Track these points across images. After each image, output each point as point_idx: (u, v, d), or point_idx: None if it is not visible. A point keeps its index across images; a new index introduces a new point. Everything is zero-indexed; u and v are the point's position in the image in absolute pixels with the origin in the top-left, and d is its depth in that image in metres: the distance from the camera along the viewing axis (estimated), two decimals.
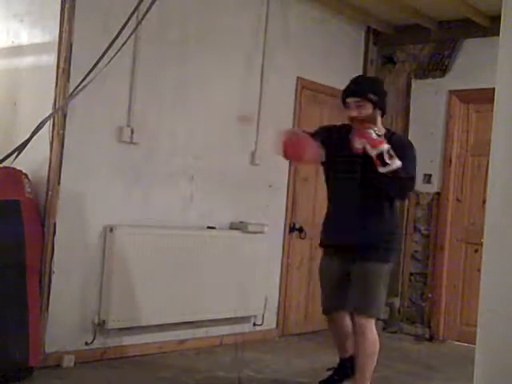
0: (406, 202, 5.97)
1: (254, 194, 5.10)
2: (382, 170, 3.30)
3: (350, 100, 3.51)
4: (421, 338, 5.74)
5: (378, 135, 3.32)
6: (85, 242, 4.07)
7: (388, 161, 3.28)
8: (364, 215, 3.52)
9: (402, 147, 3.45)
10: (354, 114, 3.48)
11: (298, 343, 5.29)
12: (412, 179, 3.47)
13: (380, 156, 3.29)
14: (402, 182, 3.38)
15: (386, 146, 3.29)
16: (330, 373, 3.95)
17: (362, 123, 3.43)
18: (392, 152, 3.30)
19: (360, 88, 3.53)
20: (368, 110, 3.48)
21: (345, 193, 3.60)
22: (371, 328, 3.53)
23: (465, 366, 4.34)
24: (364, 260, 3.53)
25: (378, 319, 3.79)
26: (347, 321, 3.77)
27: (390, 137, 3.49)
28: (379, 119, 3.54)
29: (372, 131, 3.32)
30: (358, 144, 3.37)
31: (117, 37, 3.57)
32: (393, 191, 3.46)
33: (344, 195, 3.61)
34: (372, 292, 3.54)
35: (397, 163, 3.30)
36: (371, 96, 3.47)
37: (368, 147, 3.32)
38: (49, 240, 3.85)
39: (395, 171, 3.30)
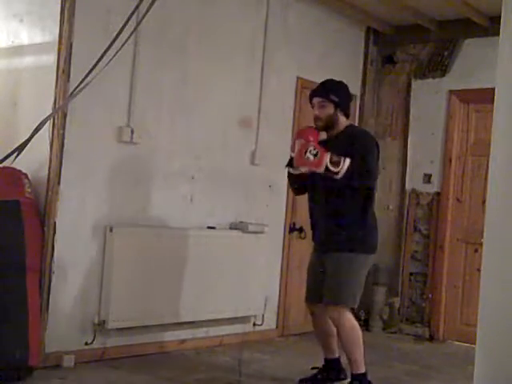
0: (407, 201, 5.99)
1: (254, 193, 5.10)
2: (337, 177, 3.54)
3: (314, 101, 3.83)
4: (421, 338, 5.74)
5: (315, 154, 3.52)
6: (85, 242, 4.07)
7: (335, 169, 3.51)
8: (331, 215, 3.76)
9: (352, 138, 3.74)
10: (316, 112, 3.80)
11: (298, 343, 5.28)
12: (368, 165, 3.63)
13: (327, 170, 3.53)
14: (357, 176, 3.57)
15: (326, 159, 3.51)
16: (313, 372, 3.97)
17: (302, 134, 3.72)
18: (335, 158, 3.52)
19: (323, 89, 3.84)
20: (330, 110, 3.77)
21: (313, 198, 3.88)
22: (344, 316, 3.66)
23: (465, 366, 4.35)
24: (333, 251, 3.74)
25: (352, 309, 3.83)
26: (328, 319, 3.84)
27: (346, 130, 3.81)
28: (342, 118, 3.82)
29: (309, 154, 3.54)
30: (303, 169, 3.65)
31: (117, 37, 3.57)
32: (353, 185, 3.62)
33: (313, 200, 3.89)
34: (339, 281, 3.68)
35: (344, 165, 3.52)
36: (332, 97, 3.76)
37: (313, 169, 3.58)
38: (49, 240, 3.84)
39: (347, 172, 3.51)
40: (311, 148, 3.55)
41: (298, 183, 3.93)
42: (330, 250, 3.76)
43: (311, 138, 3.63)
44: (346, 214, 3.72)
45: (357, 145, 3.68)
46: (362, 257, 3.74)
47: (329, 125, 3.79)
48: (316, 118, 3.80)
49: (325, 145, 3.65)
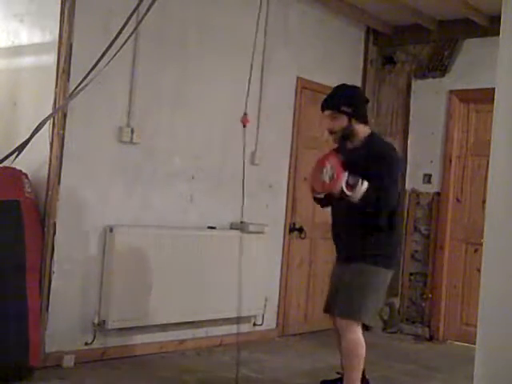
0: (406, 202, 5.98)
1: (254, 193, 5.09)
2: (353, 200, 3.31)
3: (325, 113, 3.58)
4: (421, 338, 5.74)
5: (330, 176, 3.31)
6: (85, 242, 4.07)
7: (350, 193, 3.28)
8: (355, 228, 3.51)
9: (376, 155, 3.45)
10: (329, 126, 3.56)
11: (298, 343, 5.29)
12: (385, 191, 3.38)
13: (342, 192, 3.31)
14: (373, 199, 3.33)
15: (342, 182, 3.28)
16: (336, 376, 3.85)
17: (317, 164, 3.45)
18: (351, 180, 3.28)
19: (333, 101, 3.57)
20: (343, 122, 3.51)
21: (336, 210, 3.64)
22: (351, 330, 3.44)
23: (465, 366, 4.34)
24: (351, 261, 3.53)
25: (366, 326, 3.64)
26: None
27: (366, 143, 3.53)
28: (360, 127, 3.55)
29: (324, 174, 3.32)
30: (321, 194, 3.44)
31: (117, 37, 3.56)
32: (369, 209, 3.39)
33: (336, 211, 3.66)
34: (352, 294, 3.46)
35: (362, 189, 3.28)
36: (344, 108, 3.50)
37: (327, 191, 3.38)
38: (49, 240, 3.84)
39: (364, 195, 3.29)
40: (327, 168, 3.31)
41: (324, 202, 3.68)
42: (353, 261, 3.52)
43: (331, 159, 3.39)
44: (372, 228, 3.47)
45: (378, 164, 3.40)
46: (384, 272, 3.50)
47: (345, 137, 3.55)
48: (330, 132, 3.59)
49: (344, 157, 3.42)
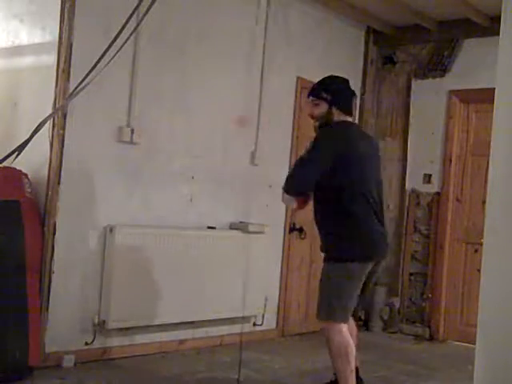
0: (407, 201, 5.99)
1: (254, 193, 5.09)
2: None
3: (308, 100, 3.75)
4: (421, 338, 5.74)
5: None
6: (85, 242, 4.07)
7: None
8: (319, 222, 3.61)
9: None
10: (309, 111, 3.73)
11: (298, 343, 5.29)
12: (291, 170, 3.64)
13: None
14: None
15: None
16: (333, 377, 3.85)
17: None
18: None
19: (315, 88, 3.74)
20: (323, 108, 3.64)
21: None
22: (332, 332, 3.42)
23: (465, 366, 4.35)
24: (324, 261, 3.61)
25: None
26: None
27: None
28: (338, 114, 3.63)
29: None
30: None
31: (117, 37, 3.57)
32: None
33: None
34: (320, 293, 3.54)
35: None
36: (325, 95, 3.65)
37: None
38: (49, 240, 3.85)
39: None
40: None
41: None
42: (324, 261, 3.63)
43: None
44: (323, 221, 3.58)
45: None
46: (340, 266, 3.46)
47: (324, 123, 3.62)
48: (310, 116, 3.72)
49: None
